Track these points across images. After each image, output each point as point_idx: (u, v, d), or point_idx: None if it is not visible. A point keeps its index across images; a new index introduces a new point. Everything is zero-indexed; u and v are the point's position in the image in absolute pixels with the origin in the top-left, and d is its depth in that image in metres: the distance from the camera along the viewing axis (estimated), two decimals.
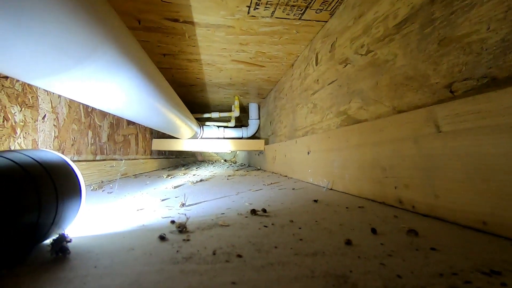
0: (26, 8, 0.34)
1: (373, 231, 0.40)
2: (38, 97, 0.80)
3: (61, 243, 0.31)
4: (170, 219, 0.49)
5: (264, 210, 0.54)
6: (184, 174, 1.62)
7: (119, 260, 0.30)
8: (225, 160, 4.63)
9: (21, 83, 0.73)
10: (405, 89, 0.71)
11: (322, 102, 1.23)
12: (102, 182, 1.11)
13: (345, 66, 1.02)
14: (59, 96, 0.91)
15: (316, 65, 1.31)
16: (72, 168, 0.40)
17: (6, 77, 0.68)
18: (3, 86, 0.67)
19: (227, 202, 0.67)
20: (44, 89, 0.83)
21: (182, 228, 0.40)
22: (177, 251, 0.32)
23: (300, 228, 0.43)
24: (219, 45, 1.42)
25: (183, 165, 2.77)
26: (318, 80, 1.29)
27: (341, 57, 1.04)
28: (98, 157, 1.19)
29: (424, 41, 0.64)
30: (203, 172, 1.87)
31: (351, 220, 0.48)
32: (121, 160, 1.40)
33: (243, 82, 2.06)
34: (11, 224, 0.28)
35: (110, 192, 0.84)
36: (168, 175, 1.47)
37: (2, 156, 0.32)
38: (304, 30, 1.27)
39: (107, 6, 0.55)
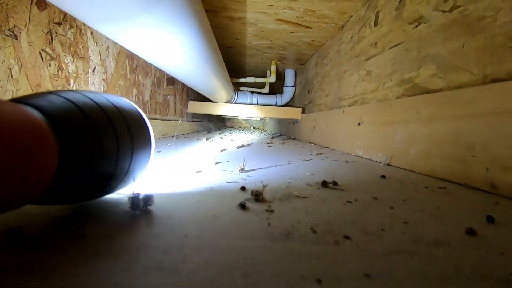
0: None
1: (490, 219, 0.33)
2: (89, 48, 0.77)
3: (146, 204, 0.28)
4: (235, 184, 0.45)
5: (335, 183, 0.49)
6: (221, 138, 1.60)
7: (208, 229, 0.26)
8: (254, 128, 4.60)
9: (73, 31, 0.70)
10: (508, 53, 0.58)
11: (379, 69, 1.10)
12: None
13: (416, 26, 0.89)
14: (108, 48, 0.87)
15: (375, 26, 1.16)
16: (144, 119, 0.37)
17: (59, 23, 0.65)
18: (56, 33, 0.64)
19: (284, 170, 0.62)
20: (93, 40, 0.79)
21: (259, 197, 0.36)
22: (269, 224, 0.28)
23: (392, 208, 0.37)
24: (265, 0, 1.29)
25: (216, 130, 2.76)
26: (376, 43, 1.15)
27: (413, 16, 0.90)
28: None
29: None
30: (239, 137, 1.84)
31: (444, 202, 0.41)
32: (177, 120, 1.39)
33: (283, 45, 1.93)
34: (92, 169, 0.26)
35: (159, 151, 0.82)
36: (207, 139, 1.46)
37: (83, 95, 0.30)
38: None
39: None
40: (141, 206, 0.28)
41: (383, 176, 0.61)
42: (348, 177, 0.59)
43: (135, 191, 0.30)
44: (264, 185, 0.38)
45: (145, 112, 1.23)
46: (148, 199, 0.29)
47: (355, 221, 0.30)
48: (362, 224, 0.30)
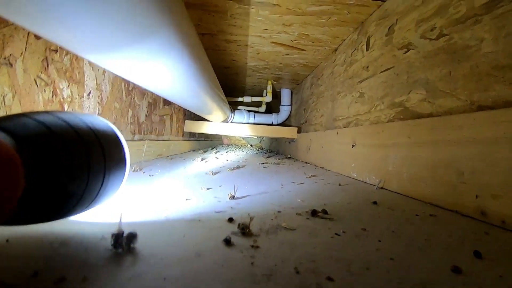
0: None
1: (477, 254, 0.33)
2: (85, 73, 0.78)
3: (129, 242, 0.27)
4: (224, 214, 0.45)
5: (325, 212, 0.48)
6: (217, 158, 1.60)
7: (189, 270, 0.25)
8: (251, 145, 4.61)
9: (69, 57, 0.71)
10: (493, 81, 0.60)
11: (371, 92, 1.13)
12: (140, 162, 1.11)
13: (406, 52, 0.91)
14: (104, 72, 0.89)
15: (367, 50, 1.19)
16: (120, 139, 0.37)
17: (56, 50, 0.66)
18: (53, 60, 0.65)
19: (276, 196, 0.62)
20: (89, 65, 0.81)
21: (245, 230, 0.35)
22: (252, 263, 0.28)
23: (380, 241, 0.36)
24: (260, 25, 1.33)
25: (212, 148, 2.77)
26: (367, 67, 1.18)
27: (402, 42, 0.93)
28: (136, 137, 1.19)
29: None
30: (234, 156, 1.84)
31: (434, 233, 0.41)
32: (174, 140, 1.38)
33: (279, 66, 1.97)
34: (61, 190, 0.27)
35: (152, 175, 0.82)
36: (202, 159, 1.46)
37: (57, 116, 0.30)
38: (356, 11, 1.15)
39: None
40: (124, 244, 0.28)
41: (374, 202, 0.61)
42: (339, 203, 0.58)
43: (121, 226, 0.30)
44: (251, 218, 0.38)
45: (140, 133, 1.24)
46: (131, 238, 0.28)
47: (341, 258, 0.30)
48: (347, 261, 0.29)
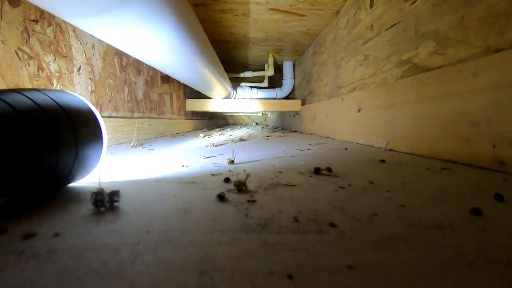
0: None
1: (498, 197, 0.29)
2: (72, 46, 0.74)
3: (111, 199, 0.25)
4: (220, 176, 0.42)
5: (329, 169, 0.45)
6: (220, 134, 1.57)
7: (175, 225, 0.23)
8: (256, 123, 4.57)
9: (52, 28, 0.67)
10: (511, 20, 0.54)
11: (376, 52, 1.06)
12: (141, 139, 1.09)
13: (413, 3, 0.84)
14: (93, 46, 0.84)
15: (371, 7, 1.11)
16: (92, 110, 0.36)
17: (36, 21, 0.62)
18: (34, 31, 0.61)
19: (278, 161, 0.59)
20: (76, 38, 0.76)
21: (241, 187, 0.33)
22: (246, 215, 0.25)
23: (388, 192, 0.33)
24: None
25: (217, 127, 2.74)
26: (372, 25, 1.10)
27: None
28: (135, 115, 1.16)
29: None
30: (238, 133, 1.81)
31: (447, 183, 0.38)
32: (175, 119, 1.36)
33: (279, 36, 1.88)
34: (32, 162, 0.26)
35: (151, 149, 0.79)
36: (205, 135, 1.43)
37: (24, 95, 0.29)
38: None
39: None
40: (105, 202, 0.26)
41: (382, 161, 0.58)
42: (345, 163, 0.55)
43: (102, 185, 0.28)
44: (247, 174, 0.35)
45: (140, 111, 1.21)
46: (113, 194, 0.26)
47: (345, 208, 0.27)
48: (352, 210, 0.26)
